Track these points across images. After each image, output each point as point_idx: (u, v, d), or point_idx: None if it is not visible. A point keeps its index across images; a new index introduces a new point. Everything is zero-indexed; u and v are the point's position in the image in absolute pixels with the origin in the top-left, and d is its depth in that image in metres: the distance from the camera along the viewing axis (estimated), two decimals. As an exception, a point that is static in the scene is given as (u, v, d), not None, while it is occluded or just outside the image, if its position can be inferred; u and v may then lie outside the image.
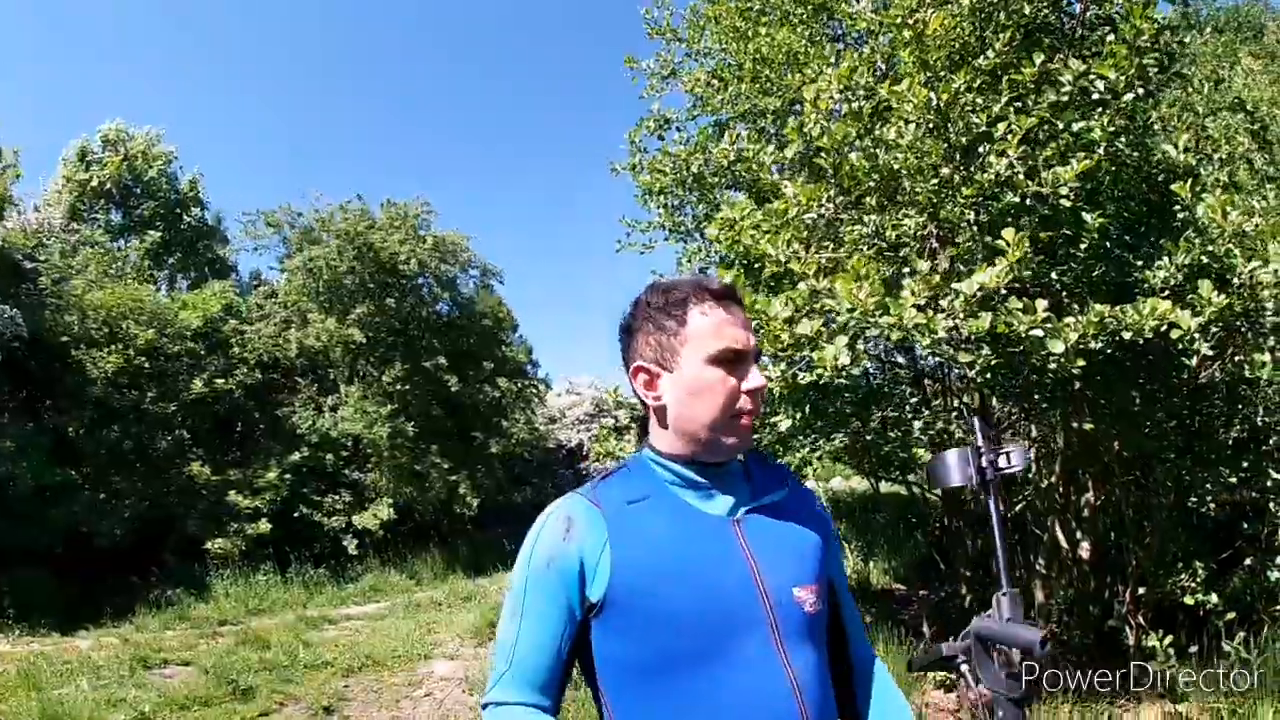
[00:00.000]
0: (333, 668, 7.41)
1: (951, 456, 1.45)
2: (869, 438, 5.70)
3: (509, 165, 53.64)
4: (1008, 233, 3.43)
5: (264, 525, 11.80)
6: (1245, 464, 4.30)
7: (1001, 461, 1.43)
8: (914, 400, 6.27)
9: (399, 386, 14.40)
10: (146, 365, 11.36)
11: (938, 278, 3.72)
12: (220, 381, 12.38)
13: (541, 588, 1.36)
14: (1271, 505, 4.23)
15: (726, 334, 1.37)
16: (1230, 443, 4.80)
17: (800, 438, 5.41)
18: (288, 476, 12.62)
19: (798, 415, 5.12)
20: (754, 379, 1.37)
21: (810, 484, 6.22)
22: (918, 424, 5.60)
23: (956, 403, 6.24)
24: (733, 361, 1.36)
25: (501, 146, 54.16)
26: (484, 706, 1.40)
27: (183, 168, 15.86)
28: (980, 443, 1.44)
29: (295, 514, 12.83)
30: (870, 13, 4.89)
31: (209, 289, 13.67)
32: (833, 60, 4.53)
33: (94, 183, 14.75)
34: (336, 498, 13.44)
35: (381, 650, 7.97)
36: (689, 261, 7.23)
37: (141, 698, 6.24)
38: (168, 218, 14.98)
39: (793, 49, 5.86)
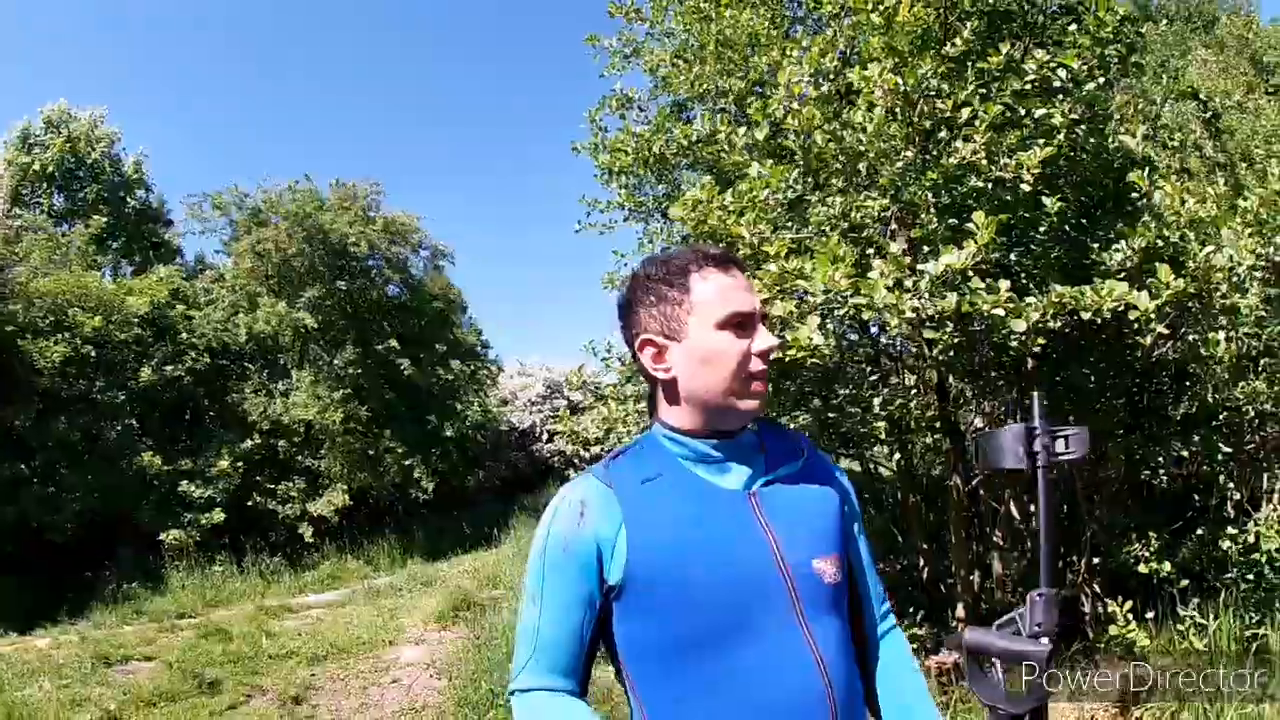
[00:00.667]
0: (298, 657, 7.35)
1: (1007, 436, 1.31)
2: (830, 415, 5.81)
3: (454, 143, 52.86)
4: (978, 216, 3.52)
5: (218, 515, 11.60)
6: (1197, 438, 4.48)
7: (1058, 446, 1.29)
8: (873, 378, 6.39)
9: (351, 370, 14.25)
10: (93, 354, 11.03)
11: (908, 259, 3.80)
12: (169, 369, 12.09)
13: (559, 573, 1.35)
14: (1221, 478, 4.42)
15: (732, 298, 1.36)
16: (1179, 419, 5.00)
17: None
18: (240, 464, 12.40)
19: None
20: (764, 340, 1.37)
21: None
22: (877, 401, 5.72)
23: (913, 379, 6.38)
24: (740, 325, 1.35)
25: (448, 123, 53.29)
26: (510, 694, 1.40)
27: (126, 149, 15.39)
28: (1036, 423, 1.30)
29: (249, 502, 12.63)
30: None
31: (155, 274, 13.29)
32: (804, 44, 4.55)
33: (36, 166, 14.18)
34: (290, 485, 13.25)
35: (345, 638, 7.93)
36: (650, 242, 7.24)
37: (106, 695, 6.13)
38: (111, 201, 14.48)
39: (755, 31, 5.87)
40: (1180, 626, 4.00)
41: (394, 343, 15.25)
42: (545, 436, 24.72)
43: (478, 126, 54.43)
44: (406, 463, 14.71)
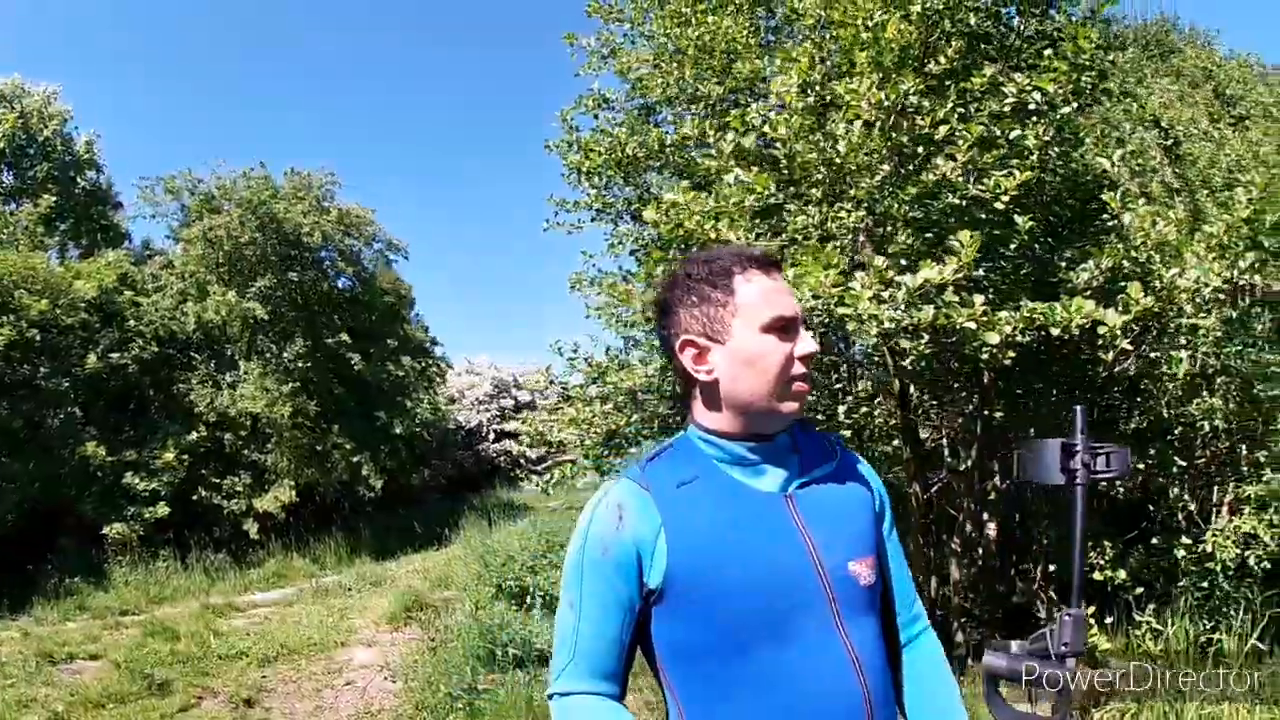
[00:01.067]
0: (248, 658, 7.17)
1: (1049, 450, 1.31)
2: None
3: (402, 137, 52.30)
4: (963, 234, 3.61)
5: (162, 509, 11.21)
6: (1152, 452, 4.66)
7: (1099, 464, 1.28)
8: (837, 387, 6.51)
9: (300, 363, 13.93)
10: (39, 338, 10.57)
11: (893, 273, 3.88)
12: (115, 356, 11.65)
13: (598, 577, 1.34)
14: (1175, 490, 4.61)
15: (776, 301, 1.35)
16: (1131, 432, 5.19)
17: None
18: (185, 457, 12.01)
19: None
20: (806, 344, 1.36)
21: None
22: (841, 409, 5.82)
23: (873, 388, 6.51)
24: (784, 329, 1.34)
25: (396, 116, 52.67)
26: (549, 697, 1.39)
27: (78, 128, 14.72)
28: (1077, 439, 1.29)
29: (194, 496, 12.26)
30: (819, 9, 5.01)
31: (103, 258, 12.78)
32: (793, 54, 4.60)
33: (-14, 141, 13.45)
34: (236, 479, 12.90)
35: (296, 638, 7.74)
36: (620, 244, 7.24)
37: (53, 696, 5.91)
38: (61, 181, 13.86)
39: (734, 38, 5.89)
40: (1137, 631, 4.16)
41: (344, 336, 14.98)
42: (492, 436, 24.60)
43: (431, 126, 53.98)
44: (355, 459, 14.44)
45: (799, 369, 1.35)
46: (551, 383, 7.56)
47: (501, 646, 6.11)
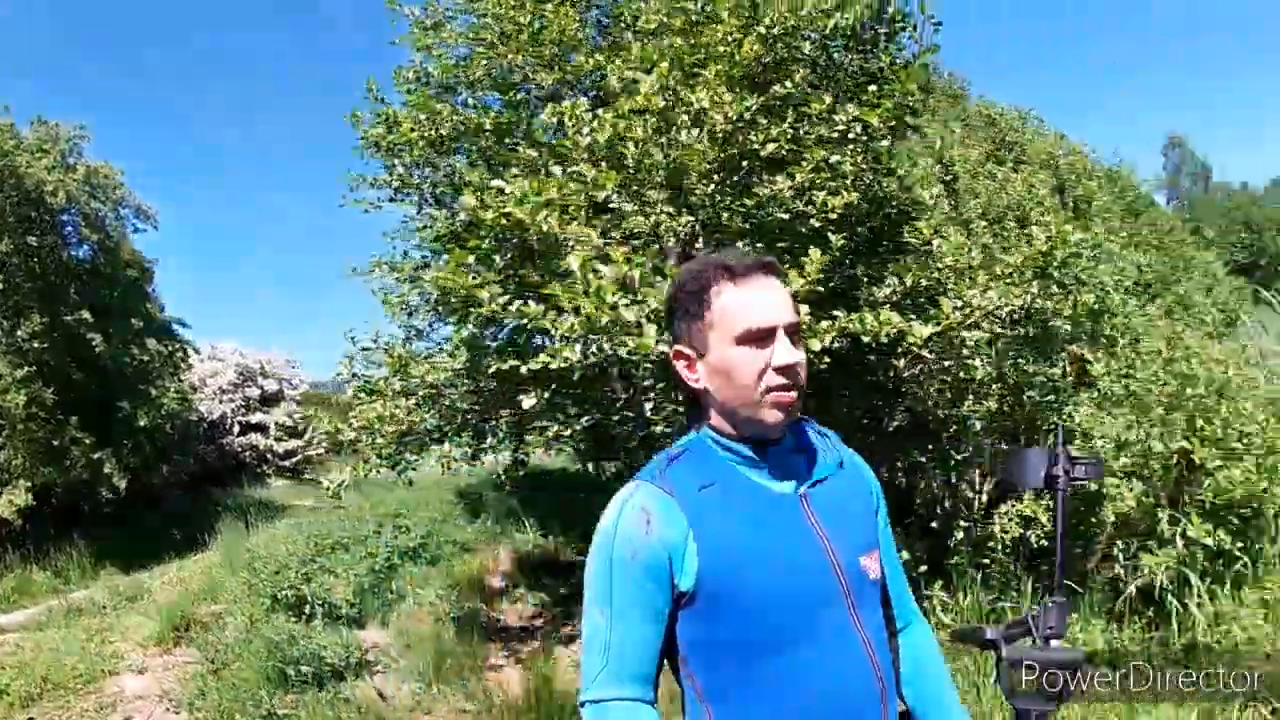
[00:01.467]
0: (8, 697, 6.13)
1: (1033, 456, 1.45)
2: (612, 419, 6.08)
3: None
4: (814, 252, 3.90)
5: (-114, 520, 9.30)
6: (930, 447, 5.29)
7: (1078, 471, 1.42)
8: (645, 384, 6.72)
9: (36, 344, 11.94)
10: None
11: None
12: None
13: (629, 580, 1.35)
14: (924, 482, 5.25)
15: (749, 314, 1.35)
16: (893, 430, 5.78)
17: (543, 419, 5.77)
18: (-92, 457, 10.04)
19: (544, 396, 5.34)
20: (784, 354, 1.34)
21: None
22: (648, 406, 6.02)
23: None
24: (761, 339, 1.34)
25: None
26: (582, 704, 1.38)
27: None
28: (1059, 447, 1.43)
29: (-80, 503, 10.28)
30: (661, 16, 5.16)
31: None
32: (653, 56, 4.68)
33: None
34: (-37, 481, 11.00)
35: (58, 671, 6.59)
36: (424, 228, 6.99)
37: None
38: None
39: (565, 29, 5.85)
40: (927, 604, 4.72)
41: (85, 314, 12.96)
42: (237, 429, 22.43)
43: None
44: (95, 455, 12.51)
45: (776, 379, 1.35)
46: (354, 375, 7.08)
47: (293, 664, 5.68)
